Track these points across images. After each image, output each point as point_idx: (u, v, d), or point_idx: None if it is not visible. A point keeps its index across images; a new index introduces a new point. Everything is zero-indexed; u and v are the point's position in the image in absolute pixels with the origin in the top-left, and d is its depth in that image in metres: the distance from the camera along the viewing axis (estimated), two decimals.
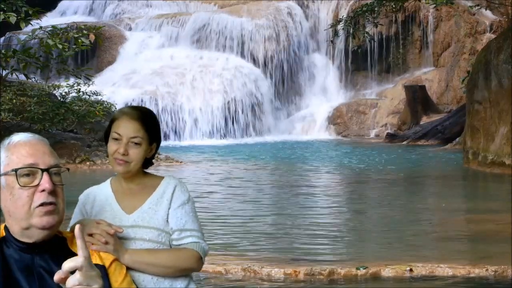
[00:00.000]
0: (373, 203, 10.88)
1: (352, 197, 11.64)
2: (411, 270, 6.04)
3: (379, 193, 11.82)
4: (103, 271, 2.25)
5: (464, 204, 10.72)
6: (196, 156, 17.90)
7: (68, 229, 2.45)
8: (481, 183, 13.05)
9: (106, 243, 2.39)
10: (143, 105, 15.61)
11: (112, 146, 2.62)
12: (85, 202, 2.65)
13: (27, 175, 2.15)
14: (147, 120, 2.65)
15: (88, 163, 14.95)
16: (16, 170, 2.14)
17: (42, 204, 2.13)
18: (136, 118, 2.62)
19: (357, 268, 6.06)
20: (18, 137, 2.21)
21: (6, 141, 2.21)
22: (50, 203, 2.14)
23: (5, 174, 2.15)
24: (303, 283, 5.90)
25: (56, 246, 2.21)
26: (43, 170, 2.15)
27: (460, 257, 6.61)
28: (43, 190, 2.13)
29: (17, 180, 2.13)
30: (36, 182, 2.14)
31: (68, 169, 2.28)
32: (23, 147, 2.18)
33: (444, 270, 6.04)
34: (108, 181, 2.72)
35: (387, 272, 6.03)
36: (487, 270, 6.01)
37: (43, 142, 2.23)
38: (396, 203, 10.49)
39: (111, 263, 2.30)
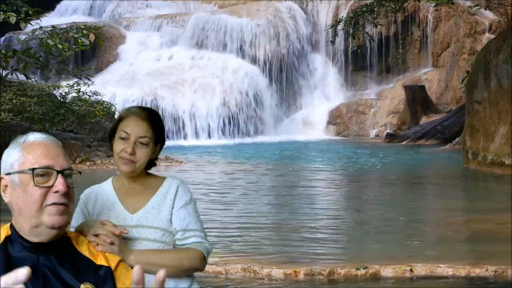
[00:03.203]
0: (373, 203, 10.89)
1: (351, 197, 11.64)
2: (411, 270, 6.04)
3: (379, 193, 11.82)
4: (109, 272, 2.26)
5: (464, 204, 10.72)
6: (196, 156, 17.90)
7: (72, 229, 2.46)
8: (481, 183, 13.05)
9: (112, 243, 2.38)
10: (143, 105, 15.62)
11: (119, 145, 2.60)
12: (86, 201, 2.64)
13: (42, 175, 2.17)
14: (154, 120, 2.66)
15: (88, 163, 14.96)
16: (33, 170, 2.16)
17: (53, 204, 2.15)
18: (145, 118, 2.62)
19: (357, 268, 6.06)
20: (34, 137, 2.23)
21: (21, 139, 2.23)
22: (62, 204, 2.17)
23: (21, 172, 2.17)
24: (303, 283, 5.90)
25: (61, 246, 2.22)
26: (58, 172, 2.18)
27: (460, 257, 6.61)
28: (56, 191, 2.16)
29: (33, 179, 2.15)
30: (50, 183, 2.16)
31: (80, 172, 2.31)
32: (39, 147, 2.20)
33: (444, 270, 6.04)
34: (110, 180, 2.70)
35: (387, 272, 6.03)
36: (487, 270, 6.02)
37: (57, 144, 2.26)
38: (395, 203, 10.50)
39: (117, 265, 2.30)
